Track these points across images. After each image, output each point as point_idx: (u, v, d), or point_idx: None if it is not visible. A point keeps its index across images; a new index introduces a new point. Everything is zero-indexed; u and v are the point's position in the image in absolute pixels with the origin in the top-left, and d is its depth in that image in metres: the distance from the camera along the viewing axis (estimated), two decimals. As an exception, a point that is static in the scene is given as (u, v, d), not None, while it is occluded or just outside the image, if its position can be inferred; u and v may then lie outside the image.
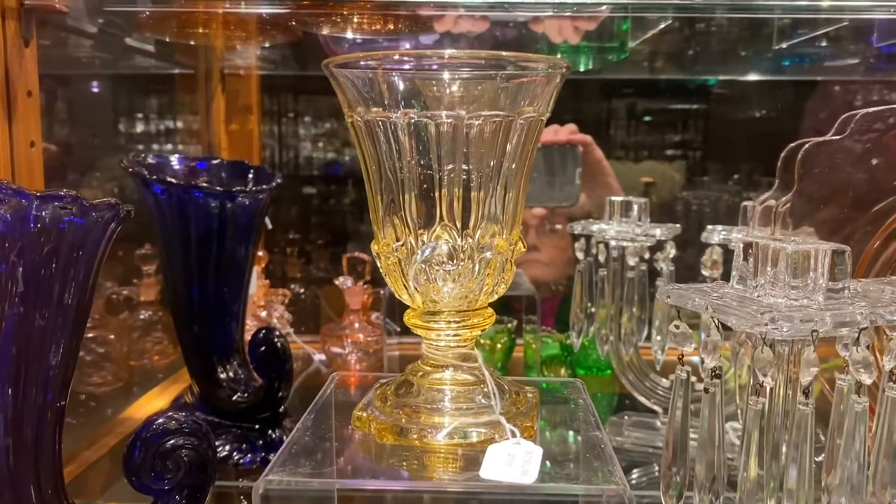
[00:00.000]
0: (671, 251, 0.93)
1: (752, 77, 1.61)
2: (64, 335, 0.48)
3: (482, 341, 1.23)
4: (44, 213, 0.42)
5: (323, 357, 1.23)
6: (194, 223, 0.86)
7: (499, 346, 1.24)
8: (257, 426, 0.89)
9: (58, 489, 0.51)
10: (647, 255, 0.94)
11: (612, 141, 1.93)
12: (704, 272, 0.87)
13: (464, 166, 0.44)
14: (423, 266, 0.43)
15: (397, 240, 0.44)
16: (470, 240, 0.44)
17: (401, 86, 0.43)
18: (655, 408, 0.95)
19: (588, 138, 1.33)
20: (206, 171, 0.95)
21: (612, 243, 0.93)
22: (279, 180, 0.92)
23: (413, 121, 0.43)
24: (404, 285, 0.44)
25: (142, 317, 1.23)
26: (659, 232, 0.91)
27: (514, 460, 0.41)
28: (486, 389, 0.45)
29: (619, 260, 0.93)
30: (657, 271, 0.93)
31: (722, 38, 1.32)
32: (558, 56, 1.11)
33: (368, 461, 0.44)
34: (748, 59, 1.37)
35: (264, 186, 0.90)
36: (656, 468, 0.85)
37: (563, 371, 1.16)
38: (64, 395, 0.50)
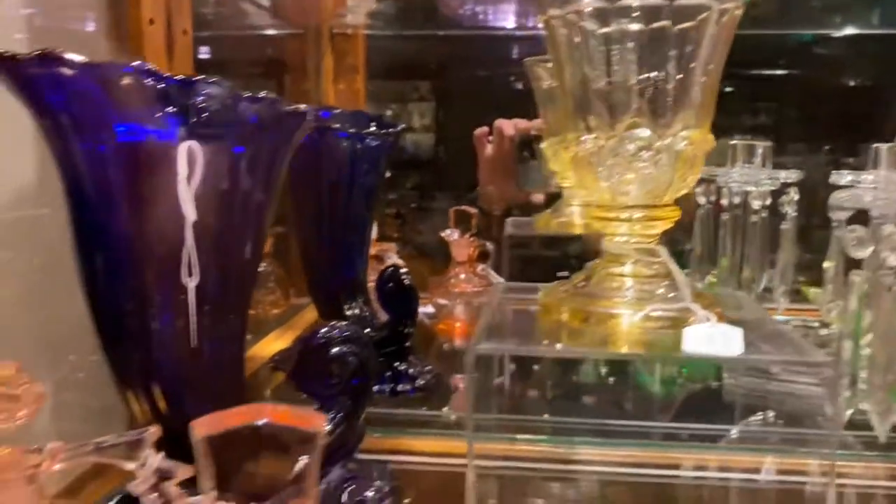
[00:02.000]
0: (795, 196, 0.92)
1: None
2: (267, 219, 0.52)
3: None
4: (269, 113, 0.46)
5: (430, 309, 1.25)
6: (326, 163, 0.89)
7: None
8: (382, 359, 0.92)
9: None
10: (768, 201, 0.93)
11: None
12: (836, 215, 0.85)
13: (661, 59, 0.45)
14: (616, 159, 0.44)
15: (589, 132, 0.45)
16: (664, 132, 0.45)
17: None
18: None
19: None
20: (331, 119, 0.99)
21: (735, 188, 0.92)
22: (403, 126, 0.95)
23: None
24: (592, 180, 0.45)
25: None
26: (783, 175, 0.91)
27: (714, 338, 0.42)
28: (667, 283, 0.46)
29: (742, 206, 0.93)
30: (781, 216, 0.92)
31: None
32: None
33: (562, 335, 0.45)
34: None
35: (390, 129, 0.93)
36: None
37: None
38: (253, 283, 0.53)
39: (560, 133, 0.48)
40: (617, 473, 0.63)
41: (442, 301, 1.23)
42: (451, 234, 1.23)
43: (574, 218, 0.96)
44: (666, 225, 0.48)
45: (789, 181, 0.91)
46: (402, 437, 0.72)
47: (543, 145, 1.00)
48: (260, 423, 0.27)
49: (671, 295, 0.45)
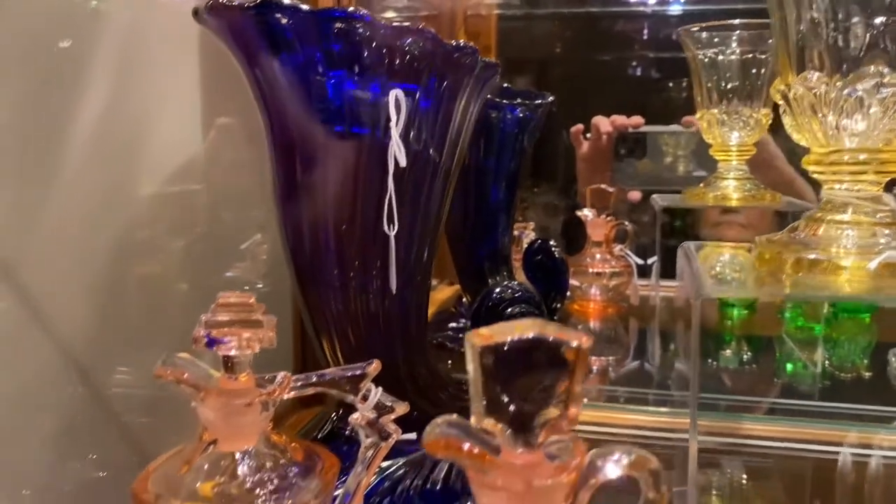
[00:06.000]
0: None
1: None
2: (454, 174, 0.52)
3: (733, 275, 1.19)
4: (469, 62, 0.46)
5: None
6: (477, 134, 0.89)
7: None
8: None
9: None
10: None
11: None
12: None
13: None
14: (842, 102, 0.42)
15: (820, 70, 0.43)
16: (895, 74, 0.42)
17: None
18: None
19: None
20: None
21: None
22: (551, 98, 0.94)
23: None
24: (814, 125, 0.43)
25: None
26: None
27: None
28: (891, 232, 0.43)
29: None
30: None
31: None
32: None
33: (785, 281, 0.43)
34: None
35: (539, 101, 0.92)
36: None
37: (822, 307, 1.10)
38: (439, 235, 0.54)
39: (781, 73, 0.46)
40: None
41: (575, 282, 1.21)
42: (587, 214, 1.21)
43: (730, 191, 0.93)
44: (894, 173, 0.45)
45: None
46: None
47: (697, 116, 0.96)
48: (530, 335, 0.27)
49: None
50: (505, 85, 1.02)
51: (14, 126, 0.50)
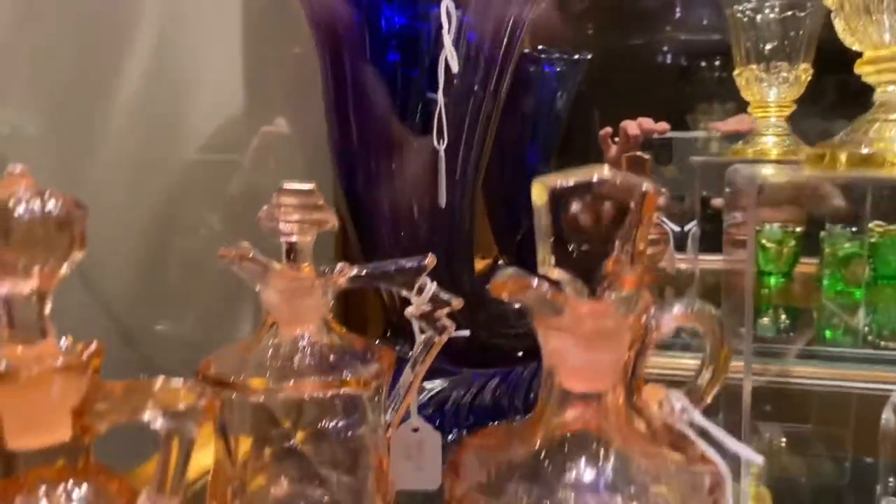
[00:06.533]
0: None
1: None
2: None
3: (767, 244, 1.19)
4: None
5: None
6: (515, 88, 0.89)
7: (785, 250, 1.18)
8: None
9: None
10: None
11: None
12: None
13: None
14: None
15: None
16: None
17: None
18: None
19: None
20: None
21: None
22: (589, 55, 0.94)
23: None
24: (867, 25, 0.43)
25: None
26: None
27: None
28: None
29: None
30: None
31: None
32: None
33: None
34: None
35: (578, 56, 0.92)
36: None
37: (862, 270, 1.09)
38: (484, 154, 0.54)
39: None
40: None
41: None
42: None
43: (769, 147, 0.92)
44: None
45: None
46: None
47: (735, 73, 0.96)
48: (595, 179, 0.27)
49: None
50: (540, 47, 1.03)
51: (62, 94, 0.51)
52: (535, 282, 0.28)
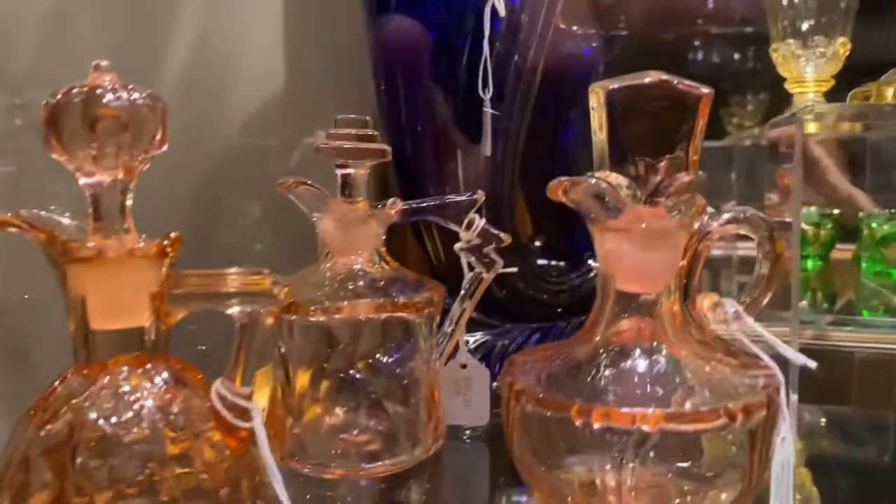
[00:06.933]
0: None
1: None
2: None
3: (804, 226, 1.18)
4: None
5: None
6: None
7: (822, 233, 1.17)
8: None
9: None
10: None
11: None
12: None
13: None
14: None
15: None
16: None
17: None
18: None
19: None
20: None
21: None
22: (625, 32, 0.95)
23: None
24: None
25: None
26: None
27: None
28: None
29: None
30: None
31: None
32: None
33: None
34: None
35: (613, 34, 0.93)
36: None
37: (904, 252, 1.07)
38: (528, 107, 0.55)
39: None
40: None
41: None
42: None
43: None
44: None
45: None
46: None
47: (771, 48, 0.96)
48: (647, 80, 0.28)
49: None
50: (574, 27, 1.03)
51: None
52: (593, 179, 0.28)
